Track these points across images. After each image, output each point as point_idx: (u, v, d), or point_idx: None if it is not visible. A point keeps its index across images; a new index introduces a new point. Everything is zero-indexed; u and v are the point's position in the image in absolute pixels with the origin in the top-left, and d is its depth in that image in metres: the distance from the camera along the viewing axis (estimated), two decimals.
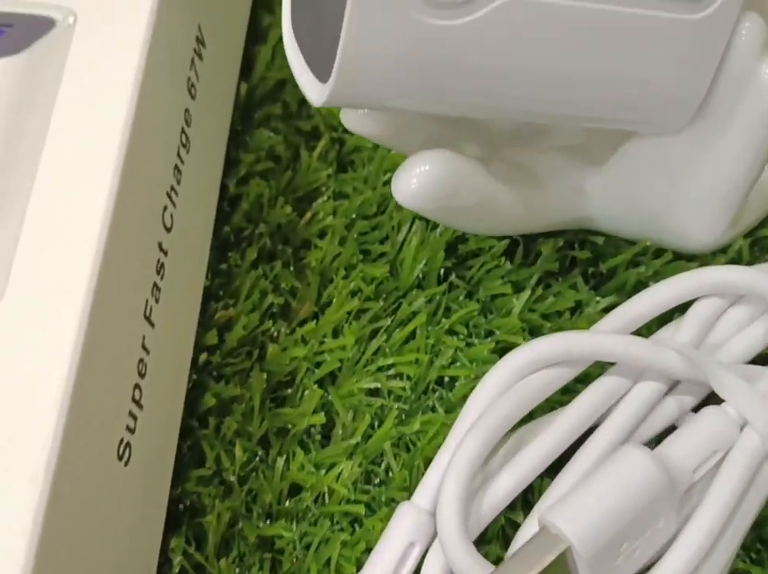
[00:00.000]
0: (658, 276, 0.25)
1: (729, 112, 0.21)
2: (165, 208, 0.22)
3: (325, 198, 0.27)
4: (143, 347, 0.21)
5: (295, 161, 0.28)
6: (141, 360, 0.21)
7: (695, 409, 0.22)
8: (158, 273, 0.22)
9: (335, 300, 0.26)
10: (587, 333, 0.22)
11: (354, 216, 0.27)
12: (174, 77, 0.23)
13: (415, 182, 0.20)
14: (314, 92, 0.19)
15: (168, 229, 0.23)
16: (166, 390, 0.23)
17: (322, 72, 0.19)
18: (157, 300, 0.22)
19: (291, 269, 0.26)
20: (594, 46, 0.19)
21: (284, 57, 0.21)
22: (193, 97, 0.24)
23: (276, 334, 0.26)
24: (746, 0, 0.20)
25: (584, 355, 0.22)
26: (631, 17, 0.19)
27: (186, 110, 0.24)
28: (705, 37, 0.20)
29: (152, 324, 0.22)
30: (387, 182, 0.27)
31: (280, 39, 0.21)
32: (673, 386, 0.23)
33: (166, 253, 0.22)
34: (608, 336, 0.22)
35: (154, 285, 0.22)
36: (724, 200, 0.23)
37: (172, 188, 0.23)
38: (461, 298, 0.25)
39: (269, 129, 0.29)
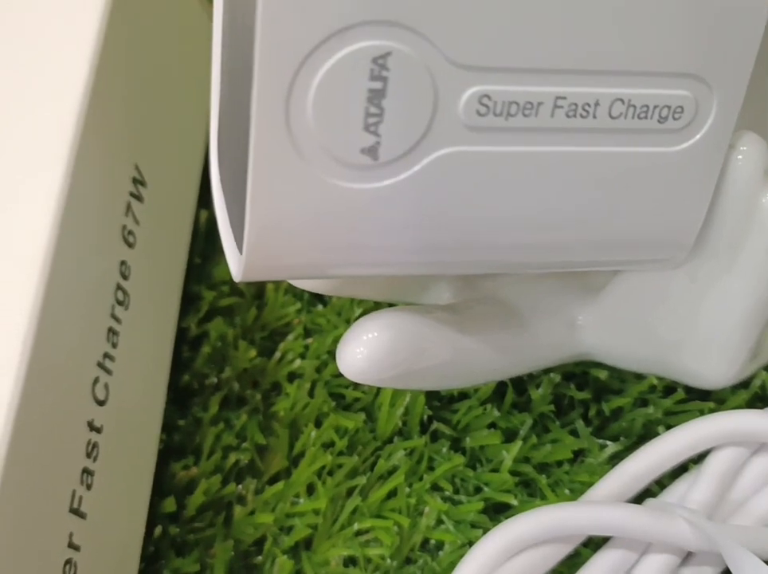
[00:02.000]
0: (669, 417, 0.22)
1: (732, 246, 0.18)
2: (95, 380, 0.20)
3: (294, 336, 0.25)
4: (71, 544, 0.19)
5: (262, 295, 0.25)
6: (69, 561, 0.19)
7: None
8: (88, 456, 0.20)
9: (306, 455, 0.23)
10: (581, 506, 0.19)
11: (325, 356, 0.24)
12: (103, 231, 0.21)
13: (362, 355, 0.17)
14: (234, 264, 0.17)
15: (101, 403, 0.20)
16: (112, 557, 0.21)
17: (241, 243, 0.16)
18: (89, 487, 0.19)
19: (260, 417, 0.24)
20: (565, 191, 0.16)
21: None
22: (131, 245, 0.22)
23: (243, 494, 0.23)
24: (747, 114, 0.17)
25: (578, 530, 0.19)
26: (604, 157, 0.16)
27: (122, 262, 0.21)
28: (692, 168, 0.17)
29: (82, 516, 0.19)
30: (362, 314, 0.24)
31: None
32: (688, 555, 0.19)
33: (99, 431, 0.20)
34: (605, 508, 0.19)
35: (84, 470, 0.19)
36: (738, 337, 0.19)
37: (105, 356, 0.20)
38: (445, 449, 0.22)
39: None
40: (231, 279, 0.25)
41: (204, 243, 0.26)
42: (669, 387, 0.22)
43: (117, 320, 0.21)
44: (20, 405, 0.17)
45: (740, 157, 0.17)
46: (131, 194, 0.22)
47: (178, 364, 0.24)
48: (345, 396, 0.24)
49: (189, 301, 0.25)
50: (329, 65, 0.14)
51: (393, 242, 0.16)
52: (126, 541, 0.21)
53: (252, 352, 0.24)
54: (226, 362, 0.25)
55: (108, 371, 0.20)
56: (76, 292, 0.20)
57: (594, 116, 0.16)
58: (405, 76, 0.14)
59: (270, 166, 0.15)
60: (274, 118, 0.14)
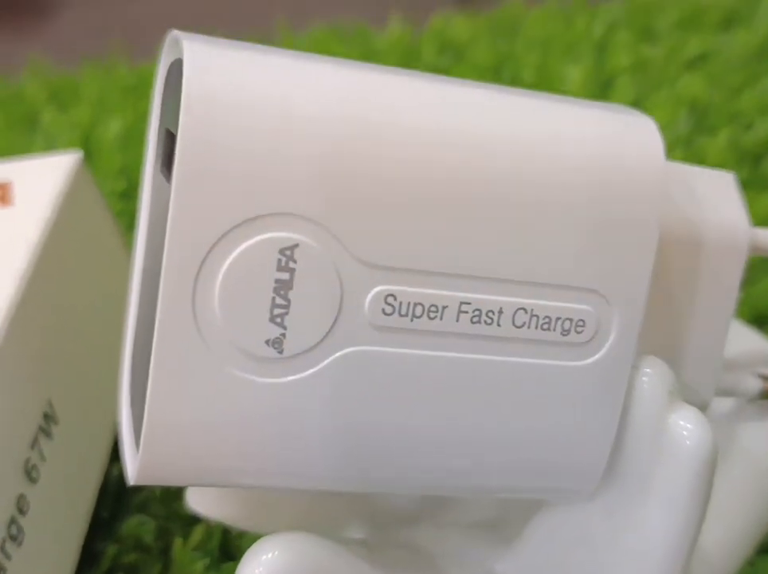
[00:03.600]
0: None
1: (643, 476, 0.18)
2: None
3: None
4: None
5: (168, 551, 0.24)
6: None
7: None
8: None
9: None
10: None
11: None
12: (5, 457, 0.20)
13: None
14: (130, 464, 0.16)
15: None
16: None
17: (138, 441, 0.16)
18: None
19: None
20: (466, 401, 0.16)
21: None
22: (33, 480, 0.21)
23: None
24: (648, 341, 0.17)
25: None
26: (508, 367, 0.16)
27: (21, 496, 0.20)
28: (597, 385, 0.17)
29: None
30: None
31: None
32: None
33: None
34: None
35: None
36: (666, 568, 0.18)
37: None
38: None
39: (147, 514, 0.25)
40: (137, 534, 0.24)
41: (114, 497, 0.25)
42: None
43: (7, 556, 0.20)
44: None
45: (645, 378, 0.17)
46: (41, 429, 0.21)
47: None
48: None
49: (89, 557, 0.24)
50: (236, 253, 0.15)
51: (296, 446, 0.16)
52: None
53: None
54: None
55: None
56: None
57: (498, 324, 0.16)
58: (312, 269, 0.15)
59: (173, 354, 0.15)
60: (180, 303, 0.14)
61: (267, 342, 0.15)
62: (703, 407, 0.20)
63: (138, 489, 0.25)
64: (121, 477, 0.25)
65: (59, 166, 0.25)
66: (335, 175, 0.15)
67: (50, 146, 0.37)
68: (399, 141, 0.15)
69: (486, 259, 0.16)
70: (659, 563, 0.18)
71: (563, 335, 0.16)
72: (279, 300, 0.15)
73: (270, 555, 0.17)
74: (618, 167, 0.16)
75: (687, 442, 0.17)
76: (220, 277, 0.15)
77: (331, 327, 0.15)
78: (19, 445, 0.21)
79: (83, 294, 0.25)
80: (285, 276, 0.15)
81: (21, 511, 0.20)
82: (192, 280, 0.14)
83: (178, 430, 0.15)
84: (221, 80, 0.14)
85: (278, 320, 0.15)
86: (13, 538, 0.20)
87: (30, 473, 0.21)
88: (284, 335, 0.15)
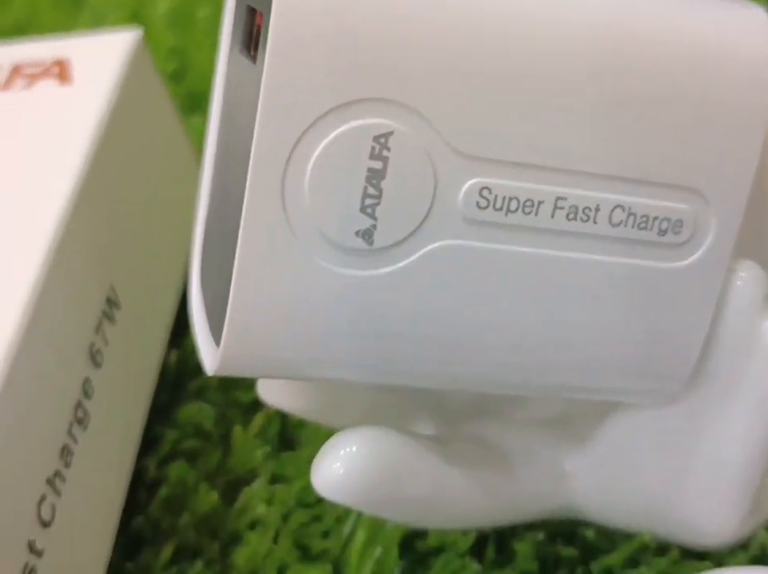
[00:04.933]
0: None
1: (731, 379, 0.17)
2: (42, 498, 0.18)
3: (260, 482, 0.23)
4: None
5: (228, 438, 0.24)
6: None
7: None
8: None
9: None
10: None
11: (292, 504, 0.22)
12: (70, 343, 0.20)
13: (339, 469, 0.16)
14: (208, 357, 0.16)
15: (45, 524, 0.18)
16: None
17: (218, 335, 0.15)
18: None
19: (217, 568, 0.22)
20: (560, 300, 0.16)
21: None
22: (97, 365, 0.21)
23: None
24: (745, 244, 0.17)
25: None
26: (602, 266, 0.16)
27: (86, 379, 0.20)
28: (691, 287, 0.16)
29: None
30: None
31: None
32: None
33: (39, 555, 0.18)
34: None
35: None
36: (737, 485, 0.18)
37: (56, 474, 0.19)
38: None
39: (205, 401, 0.25)
40: (197, 421, 0.24)
41: (171, 383, 0.25)
42: (663, 547, 0.20)
43: (74, 438, 0.20)
44: None
45: (739, 282, 0.17)
46: (104, 314, 0.21)
47: (132, 506, 0.22)
48: (310, 548, 0.22)
49: (150, 442, 0.24)
50: (329, 139, 0.14)
51: (379, 340, 0.15)
52: None
53: (214, 499, 0.22)
54: (184, 508, 0.23)
55: (57, 492, 0.19)
56: (34, 399, 0.18)
57: (595, 221, 0.15)
58: (406, 159, 0.14)
59: (260, 238, 0.14)
60: (269, 188, 0.14)
61: (357, 233, 0.14)
62: None
63: (195, 376, 0.25)
64: (178, 363, 0.25)
65: (118, 44, 0.24)
66: (435, 61, 0.14)
67: (97, 24, 0.36)
68: (503, 31, 0.14)
69: (585, 153, 0.15)
70: (739, 468, 0.18)
71: (660, 235, 0.16)
72: (371, 190, 0.14)
73: (349, 449, 0.16)
74: (726, 57, 0.15)
75: None
76: (311, 163, 0.14)
77: (423, 219, 0.15)
78: (84, 329, 0.20)
79: (143, 177, 0.24)
80: (378, 165, 0.14)
81: (87, 394, 0.20)
82: (282, 164, 0.14)
83: (262, 320, 0.15)
84: None
85: (369, 210, 0.14)
86: (79, 421, 0.20)
87: (95, 358, 0.21)
88: (374, 226, 0.14)
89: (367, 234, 0.14)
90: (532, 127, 0.15)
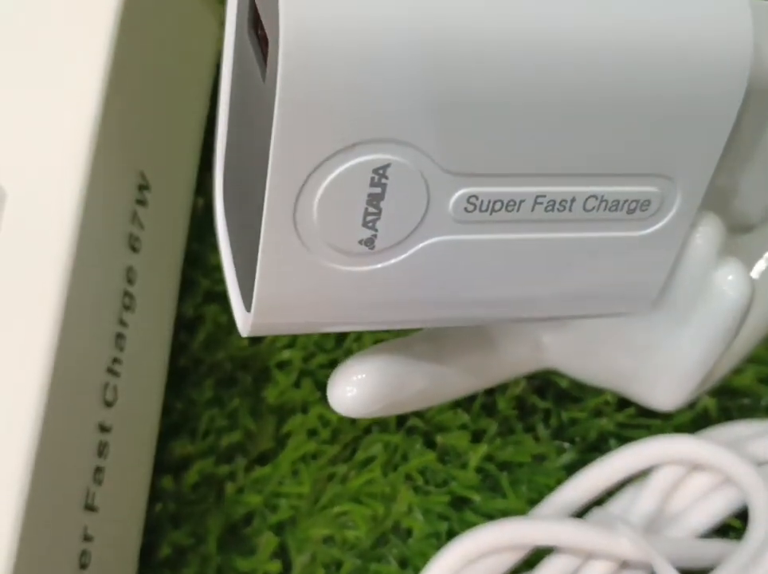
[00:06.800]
0: (620, 429, 0.24)
1: (688, 308, 0.20)
2: (106, 385, 0.22)
3: None
4: (86, 537, 0.21)
5: None
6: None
7: None
8: (100, 454, 0.22)
9: (291, 441, 0.25)
10: (531, 521, 0.22)
11: (312, 348, 0.26)
12: (111, 243, 0.22)
13: (351, 393, 0.20)
14: (240, 319, 0.19)
15: (110, 404, 0.22)
16: (120, 540, 0.23)
17: (247, 301, 0.18)
18: (100, 483, 0.22)
19: (251, 401, 0.26)
20: (539, 268, 0.18)
21: None
22: (136, 251, 0.23)
23: (233, 472, 0.25)
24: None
25: (528, 543, 0.21)
26: (576, 241, 0.18)
27: (129, 268, 0.23)
28: (656, 246, 0.19)
29: (95, 510, 0.21)
30: None
31: None
32: (624, 563, 0.22)
33: (108, 430, 0.22)
34: (553, 523, 0.22)
35: (97, 468, 0.22)
36: (687, 374, 0.22)
37: (114, 360, 0.22)
38: (419, 445, 0.25)
39: None
40: None
41: (199, 228, 0.28)
42: (623, 402, 0.24)
43: (125, 324, 0.23)
44: (41, 415, 0.19)
45: (698, 235, 0.19)
46: (137, 201, 0.24)
47: (175, 348, 0.26)
48: None
49: (186, 286, 0.27)
50: (334, 176, 0.16)
51: (384, 311, 0.18)
52: (130, 522, 0.24)
53: (244, 339, 0.26)
54: (220, 346, 0.27)
55: (117, 374, 0.22)
56: (88, 303, 0.21)
57: (570, 210, 0.17)
58: (402, 182, 0.16)
59: (277, 254, 0.16)
60: (282, 217, 0.16)
61: (360, 241, 0.17)
62: (750, 228, 0.21)
63: None
64: (204, 208, 0.28)
65: None
66: (424, 102, 0.15)
67: None
68: (482, 59, 0.15)
69: (561, 157, 0.17)
70: (690, 359, 0.21)
71: (629, 213, 0.18)
72: (371, 209, 0.16)
73: (359, 376, 0.20)
74: (697, 45, 0.16)
75: (730, 293, 0.19)
76: (318, 196, 0.16)
77: (418, 225, 0.17)
78: (122, 223, 0.23)
79: (168, 58, 0.25)
80: (377, 190, 0.16)
81: (131, 281, 0.23)
82: (293, 198, 0.16)
83: (283, 305, 0.17)
84: (318, 11, 0.14)
85: (370, 224, 0.16)
86: (127, 308, 0.23)
87: (134, 246, 0.23)
88: (375, 235, 0.17)
89: (369, 242, 0.17)
90: (511, 143, 0.16)
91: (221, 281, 0.27)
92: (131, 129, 0.23)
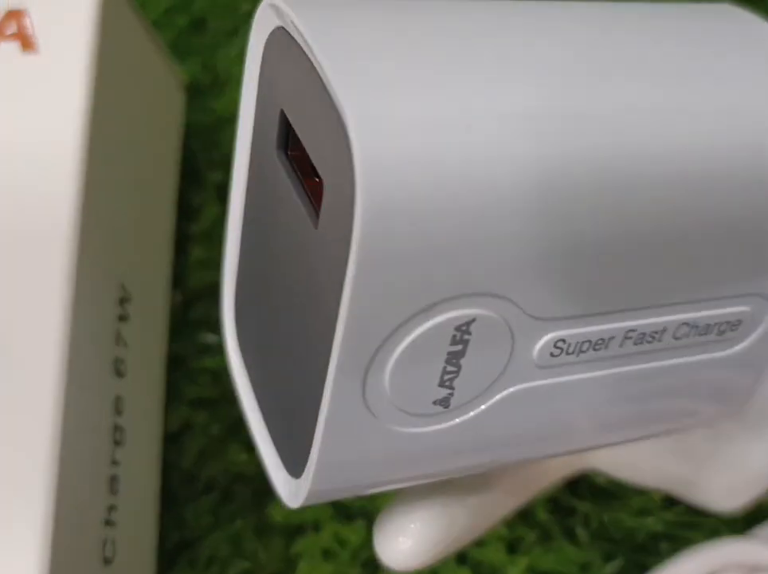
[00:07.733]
0: (670, 532, 0.22)
1: (760, 419, 0.18)
2: (104, 542, 0.19)
3: None
4: None
5: None
6: None
7: None
8: None
9: (303, 564, 0.23)
10: None
11: None
12: (100, 371, 0.19)
13: (404, 546, 0.17)
14: (283, 484, 0.16)
15: (109, 561, 0.19)
16: None
17: (295, 467, 0.15)
18: None
19: (253, 520, 0.23)
20: (624, 398, 0.16)
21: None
22: (122, 375, 0.20)
23: None
24: None
25: None
26: (663, 368, 0.16)
27: (117, 398, 0.20)
28: (744, 362, 0.17)
29: None
30: None
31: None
32: None
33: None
34: None
35: None
36: (755, 483, 0.20)
37: (110, 508, 0.19)
38: (451, 563, 0.23)
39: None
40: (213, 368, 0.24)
41: (176, 323, 0.25)
42: (669, 499, 0.22)
43: (117, 463, 0.20)
44: None
45: None
46: (120, 318, 0.21)
47: (165, 463, 0.23)
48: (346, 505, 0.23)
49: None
50: (410, 339, 0.13)
51: (448, 462, 0.16)
52: None
53: (245, 456, 0.23)
54: (213, 459, 0.24)
55: (114, 525, 0.19)
56: (80, 458, 0.18)
57: (660, 340, 0.15)
58: (486, 335, 0.14)
59: (340, 424, 0.14)
60: (349, 389, 0.13)
61: (434, 402, 0.14)
62: None
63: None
64: (183, 304, 0.25)
65: None
66: (540, 251, 0.13)
67: None
68: (602, 200, 0.13)
69: (651, 291, 0.15)
70: (756, 472, 0.20)
71: (719, 335, 0.16)
72: (449, 368, 0.14)
73: (413, 525, 0.17)
74: None
75: None
76: (391, 363, 0.13)
77: (498, 377, 0.14)
78: (107, 346, 0.20)
79: (139, 137, 0.22)
80: (458, 348, 0.14)
81: (119, 412, 0.20)
82: (363, 371, 0.13)
83: (342, 470, 0.15)
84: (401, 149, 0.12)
85: (447, 383, 0.14)
86: (117, 443, 0.20)
87: (119, 370, 0.20)
88: (451, 394, 0.14)
89: (444, 401, 0.14)
90: (607, 280, 0.14)
91: (208, 385, 0.24)
92: (110, 232, 0.20)
